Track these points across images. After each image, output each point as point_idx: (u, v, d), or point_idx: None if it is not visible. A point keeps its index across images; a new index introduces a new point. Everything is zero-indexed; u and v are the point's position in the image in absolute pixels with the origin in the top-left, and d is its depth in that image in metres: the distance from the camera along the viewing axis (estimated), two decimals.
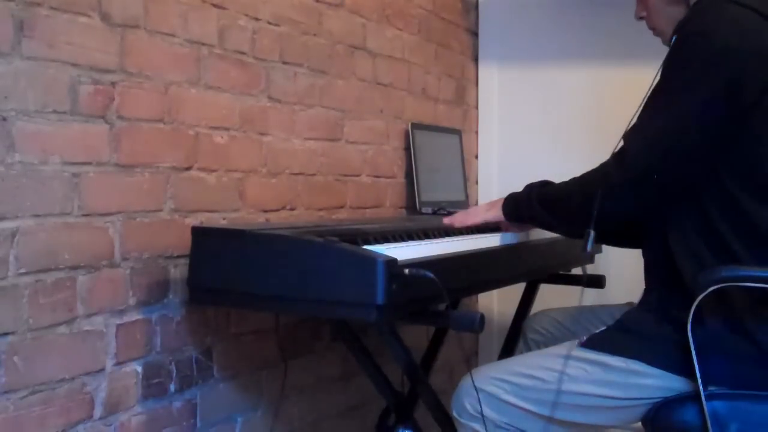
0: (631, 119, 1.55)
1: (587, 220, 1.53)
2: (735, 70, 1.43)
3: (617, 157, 1.54)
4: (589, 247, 1.53)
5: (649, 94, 1.54)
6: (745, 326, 1.46)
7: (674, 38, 1.52)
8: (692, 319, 1.43)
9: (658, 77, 1.53)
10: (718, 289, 1.41)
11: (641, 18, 1.71)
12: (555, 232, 1.76)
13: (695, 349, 1.43)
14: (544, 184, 1.72)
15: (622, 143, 1.54)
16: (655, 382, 1.50)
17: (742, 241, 1.47)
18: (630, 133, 1.53)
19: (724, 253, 1.47)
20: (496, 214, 1.80)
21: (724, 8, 1.48)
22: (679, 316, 1.46)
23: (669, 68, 1.51)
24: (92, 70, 1.50)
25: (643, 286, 1.64)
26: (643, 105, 1.55)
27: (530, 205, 1.70)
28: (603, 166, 1.57)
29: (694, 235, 1.50)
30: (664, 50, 1.57)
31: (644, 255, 1.65)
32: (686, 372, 1.46)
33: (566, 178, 1.67)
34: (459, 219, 1.87)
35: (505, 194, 1.80)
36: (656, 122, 1.50)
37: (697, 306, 1.43)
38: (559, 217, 1.66)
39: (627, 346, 1.52)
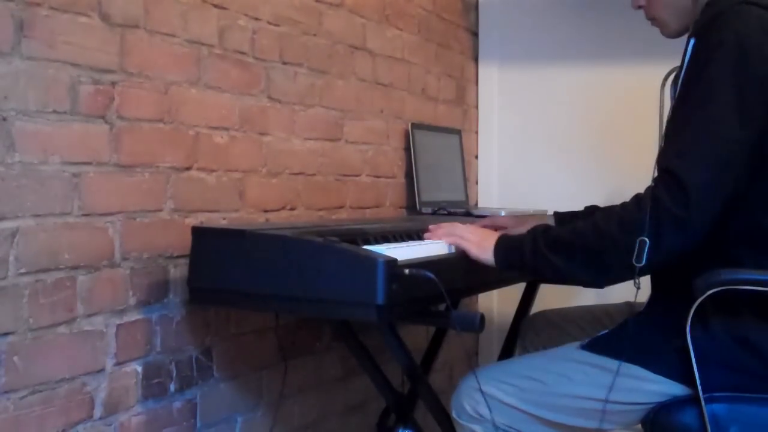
0: (662, 130, 1.44)
1: (630, 262, 1.39)
2: None
3: (672, 190, 1.37)
4: (644, 260, 1.38)
5: (677, 107, 1.45)
6: (747, 334, 1.45)
7: (693, 42, 1.45)
8: (696, 324, 1.42)
9: (681, 86, 1.44)
10: (720, 294, 1.40)
11: (639, 7, 1.63)
12: (579, 282, 1.58)
13: (695, 354, 1.42)
14: (547, 230, 1.54)
15: (657, 171, 1.41)
16: (655, 387, 1.49)
17: (751, 247, 1.45)
18: (677, 160, 1.39)
19: (730, 259, 1.45)
20: (483, 257, 1.58)
21: (748, 11, 1.42)
22: (681, 322, 1.44)
23: (701, 81, 1.41)
24: (92, 70, 1.50)
25: (642, 287, 1.63)
26: (674, 122, 1.44)
27: (540, 256, 1.49)
28: (651, 201, 1.38)
29: (707, 244, 1.48)
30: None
31: None
32: (687, 380, 1.45)
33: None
34: (446, 236, 1.67)
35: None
36: (709, 146, 1.38)
37: (700, 312, 1.42)
38: (592, 265, 1.47)
39: (628, 351, 1.50)
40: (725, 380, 1.44)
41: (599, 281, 1.56)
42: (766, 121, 1.40)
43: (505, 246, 1.56)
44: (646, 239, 1.38)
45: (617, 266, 1.43)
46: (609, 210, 1.48)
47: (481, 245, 1.59)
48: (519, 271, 1.58)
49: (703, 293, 1.40)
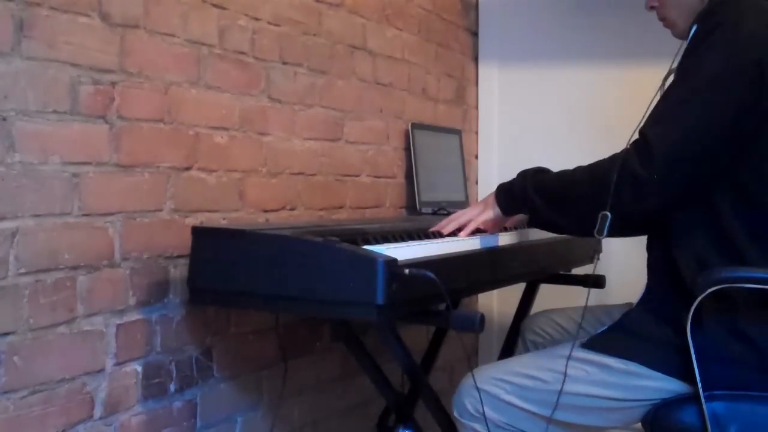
0: (645, 112, 1.49)
1: (599, 215, 1.46)
2: (762, 60, 1.42)
3: (641, 150, 1.44)
4: (605, 232, 1.44)
5: (669, 85, 1.50)
6: (745, 329, 1.45)
7: (694, 28, 1.50)
8: (693, 321, 1.42)
9: (677, 67, 1.50)
10: (719, 291, 1.40)
11: (652, 8, 1.67)
12: (555, 227, 1.65)
13: (695, 352, 1.43)
14: (540, 171, 1.63)
15: (637, 136, 1.47)
16: (654, 384, 1.50)
17: (754, 241, 1.46)
18: (652, 125, 1.45)
19: (731, 254, 1.46)
20: (495, 213, 1.70)
21: (747, 1, 1.48)
22: (679, 318, 1.45)
23: (692, 59, 1.47)
24: (92, 70, 1.50)
25: (643, 287, 1.63)
26: (661, 96, 1.50)
27: (526, 198, 1.60)
28: (621, 159, 1.46)
29: (700, 235, 1.49)
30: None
31: (648, 253, 1.64)
32: (686, 376, 1.46)
33: None
34: (451, 226, 1.77)
35: None
36: (684, 114, 1.44)
37: (698, 308, 1.42)
38: (564, 211, 1.57)
39: (627, 348, 1.52)
40: (723, 374, 1.44)
41: (568, 229, 1.64)
42: (752, 103, 1.43)
43: (501, 191, 1.68)
44: (608, 214, 1.44)
45: (583, 214, 1.50)
46: (590, 164, 1.55)
47: (487, 206, 1.71)
48: (520, 213, 1.67)
49: (704, 291, 1.40)
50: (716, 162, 1.44)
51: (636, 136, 1.48)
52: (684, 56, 1.49)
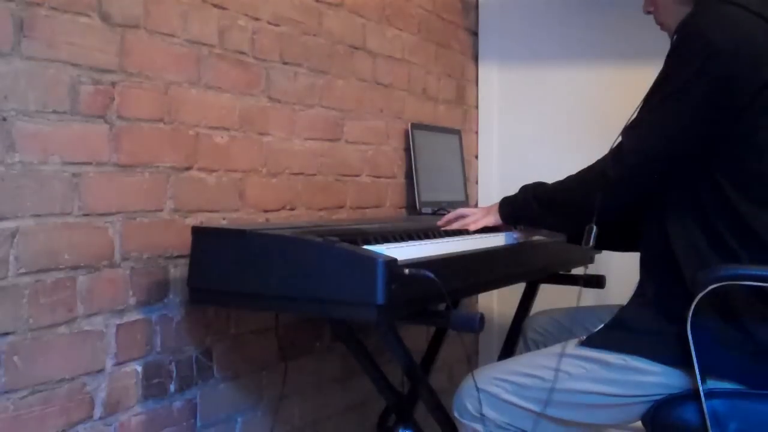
0: (631, 116, 1.57)
1: (587, 216, 1.57)
2: (728, 70, 1.44)
3: (614, 153, 1.58)
4: (591, 243, 1.57)
5: (648, 92, 1.56)
6: (743, 324, 1.46)
7: (674, 37, 1.54)
8: (691, 316, 1.43)
9: (659, 75, 1.55)
10: (717, 286, 1.41)
11: (648, 12, 1.71)
12: (553, 230, 1.80)
13: (694, 346, 1.43)
14: (539, 185, 1.75)
15: (620, 139, 1.58)
16: (655, 378, 1.50)
17: (739, 241, 1.48)
18: (627, 130, 1.57)
19: (723, 250, 1.48)
20: (495, 219, 1.83)
21: (721, 9, 1.50)
22: (676, 309, 1.46)
23: (667, 67, 1.54)
24: (92, 70, 1.50)
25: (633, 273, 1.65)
26: (642, 102, 1.57)
27: (527, 204, 1.73)
28: (600, 162, 1.61)
29: (694, 230, 1.51)
30: (665, 49, 1.57)
31: (641, 246, 1.65)
32: (686, 364, 1.46)
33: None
34: (457, 224, 1.89)
35: (505, 194, 1.81)
36: (652, 121, 1.54)
37: (695, 304, 1.43)
38: (559, 214, 1.70)
39: (625, 343, 1.53)
40: (718, 361, 1.45)
41: (564, 230, 1.82)
42: (717, 111, 1.47)
43: (504, 202, 1.82)
44: (594, 226, 1.57)
45: (571, 214, 1.66)
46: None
47: (489, 212, 1.86)
48: (519, 222, 1.84)
49: (704, 289, 1.42)
50: (680, 162, 1.52)
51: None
52: (663, 64, 1.55)
